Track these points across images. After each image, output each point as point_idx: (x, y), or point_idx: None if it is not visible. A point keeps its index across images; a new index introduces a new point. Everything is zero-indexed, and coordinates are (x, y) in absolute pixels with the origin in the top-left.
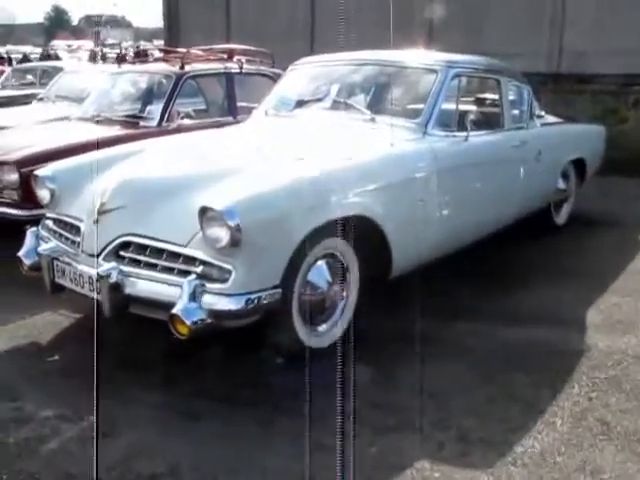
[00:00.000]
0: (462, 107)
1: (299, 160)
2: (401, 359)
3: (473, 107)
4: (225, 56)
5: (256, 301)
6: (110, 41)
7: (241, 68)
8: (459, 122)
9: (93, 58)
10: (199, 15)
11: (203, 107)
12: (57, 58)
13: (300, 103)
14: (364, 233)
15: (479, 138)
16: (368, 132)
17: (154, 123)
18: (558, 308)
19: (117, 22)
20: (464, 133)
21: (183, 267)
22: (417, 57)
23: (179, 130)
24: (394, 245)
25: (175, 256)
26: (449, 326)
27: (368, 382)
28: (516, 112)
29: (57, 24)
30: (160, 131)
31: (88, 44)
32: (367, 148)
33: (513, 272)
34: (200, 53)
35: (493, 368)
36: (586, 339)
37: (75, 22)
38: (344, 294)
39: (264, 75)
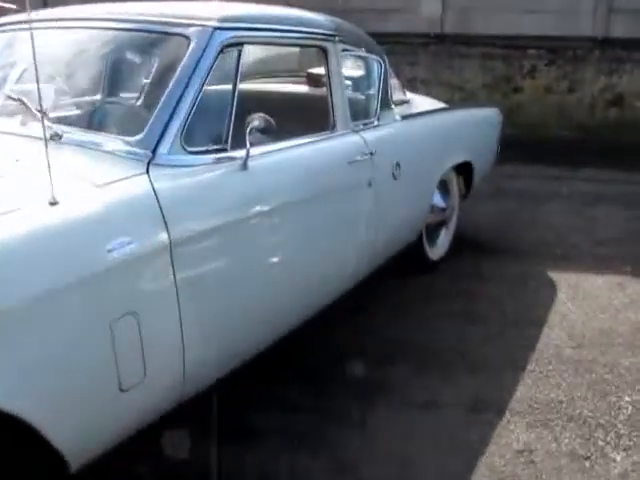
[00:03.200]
0: (246, 102)
1: None
2: None
3: (270, 97)
4: None
5: None
6: None
7: None
8: (235, 132)
9: None
10: None
11: None
12: None
13: None
14: None
15: (277, 157)
16: (29, 168)
17: None
18: (424, 468)
19: None
20: (241, 152)
21: None
22: (166, 12)
23: None
24: (61, 441)
25: None
26: None
27: None
28: (361, 100)
29: None
30: None
31: None
32: None
33: (352, 380)
34: None
35: None
36: None
37: None
38: None
39: None
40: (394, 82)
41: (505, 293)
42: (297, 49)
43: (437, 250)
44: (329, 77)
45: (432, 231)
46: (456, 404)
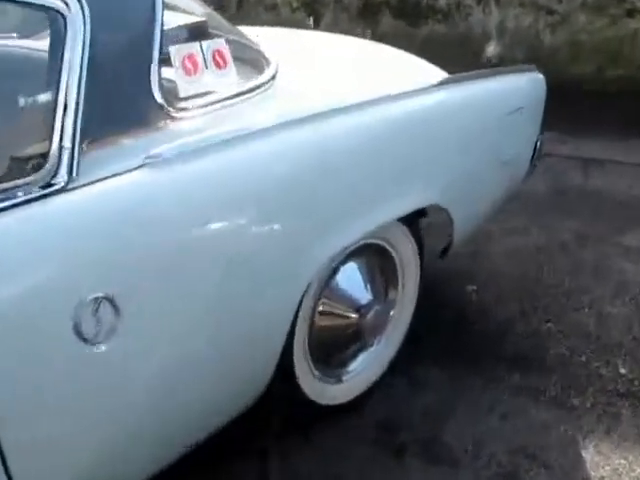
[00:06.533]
0: None
1: None
2: None
3: None
4: None
5: None
6: None
7: None
8: None
9: None
10: None
11: None
12: None
13: None
14: None
15: None
16: None
17: None
18: None
19: None
20: None
21: None
22: None
23: None
24: None
25: None
26: None
27: None
28: None
29: None
30: None
31: None
32: None
33: None
34: None
35: None
36: None
37: None
38: None
39: None
40: (213, 46)
41: None
42: None
43: (346, 386)
44: None
45: (338, 348)
46: None
